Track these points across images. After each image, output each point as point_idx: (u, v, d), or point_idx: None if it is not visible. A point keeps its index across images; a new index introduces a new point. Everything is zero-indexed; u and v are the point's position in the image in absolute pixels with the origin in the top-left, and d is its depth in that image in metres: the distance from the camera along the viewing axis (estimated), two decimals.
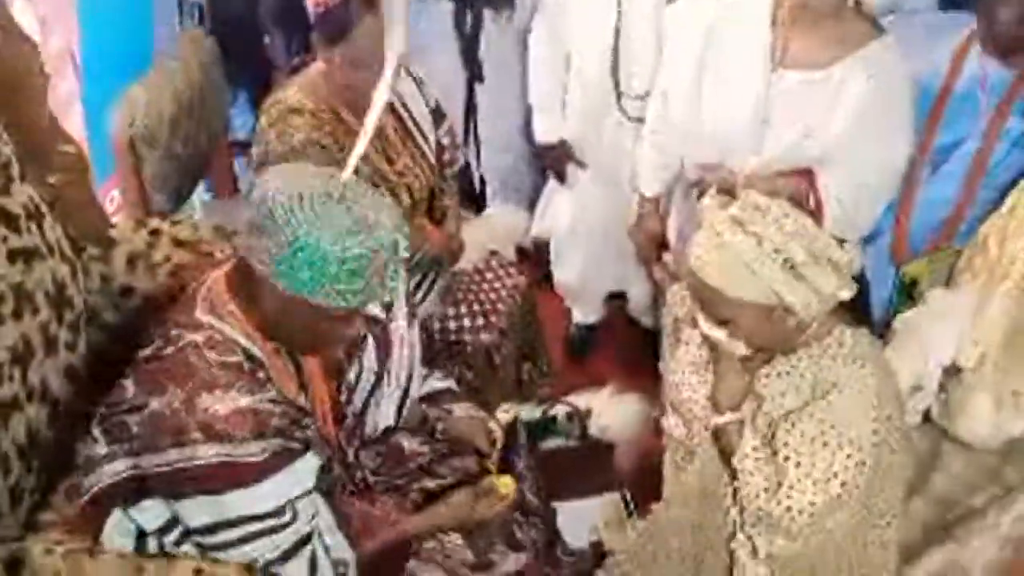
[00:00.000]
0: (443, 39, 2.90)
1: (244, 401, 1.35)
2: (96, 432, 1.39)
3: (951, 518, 1.94)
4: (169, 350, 1.38)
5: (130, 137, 2.23)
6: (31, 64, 1.64)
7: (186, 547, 1.42)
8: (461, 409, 1.88)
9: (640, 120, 2.31)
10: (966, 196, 2.05)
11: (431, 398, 1.89)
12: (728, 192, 1.50)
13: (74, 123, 2.65)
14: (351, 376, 1.73)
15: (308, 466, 1.43)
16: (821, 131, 1.86)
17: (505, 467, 1.83)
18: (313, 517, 1.46)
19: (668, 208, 2.24)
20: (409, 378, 1.80)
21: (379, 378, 1.74)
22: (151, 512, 1.40)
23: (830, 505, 1.47)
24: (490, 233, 2.42)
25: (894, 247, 2.18)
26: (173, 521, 1.41)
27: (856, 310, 1.58)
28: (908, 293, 2.12)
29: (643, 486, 1.99)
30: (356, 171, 2.04)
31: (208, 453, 1.31)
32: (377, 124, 2.16)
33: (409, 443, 1.83)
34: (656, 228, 2.17)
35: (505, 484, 1.71)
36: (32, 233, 1.52)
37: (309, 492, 1.44)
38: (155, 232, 1.81)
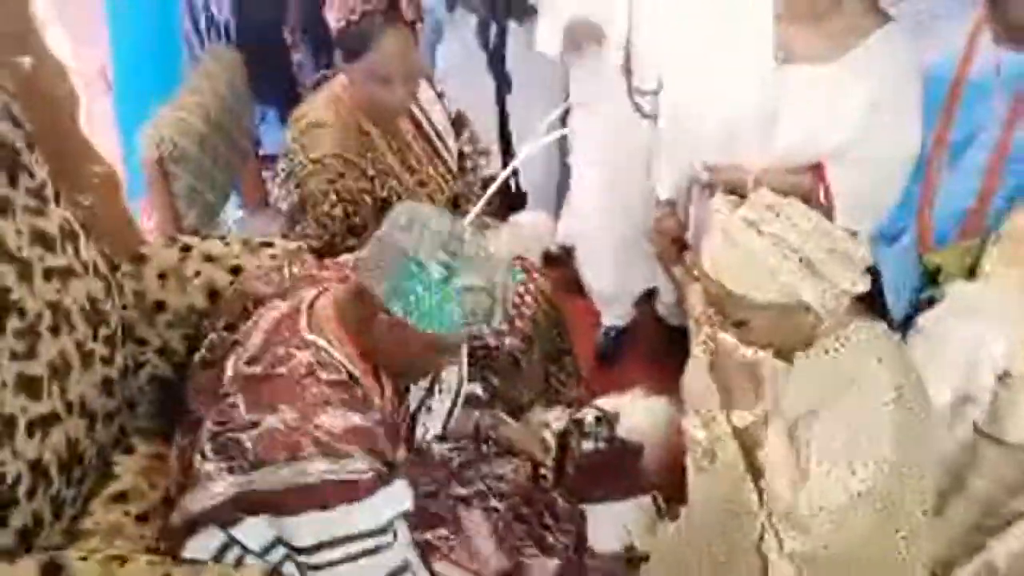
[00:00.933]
0: (470, 53, 2.93)
1: (355, 420, 1.39)
2: (207, 448, 1.40)
3: (991, 523, 1.90)
4: (281, 370, 1.42)
5: (160, 155, 2.28)
6: (62, 87, 1.70)
7: (288, 568, 1.43)
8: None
9: (654, 117, 2.28)
10: (989, 185, 2.02)
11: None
12: (736, 191, 1.49)
13: (109, 142, 2.73)
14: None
15: (404, 485, 1.45)
16: (831, 125, 1.84)
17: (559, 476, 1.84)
18: (409, 544, 1.49)
19: (686, 208, 2.23)
20: (459, 388, 1.82)
21: (429, 389, 1.76)
22: (254, 531, 1.40)
23: (851, 503, 1.46)
24: (515, 238, 2.42)
25: (919, 241, 2.15)
26: (275, 541, 1.42)
27: (874, 306, 1.57)
28: (932, 279, 2.09)
29: (673, 488, 1.99)
30: (382, 184, 2.09)
31: (320, 469, 1.34)
32: (398, 134, 2.21)
33: (438, 448, 1.86)
34: (675, 229, 2.15)
35: None
36: (67, 253, 1.57)
37: (406, 512, 1.46)
38: (186, 248, 1.87)
